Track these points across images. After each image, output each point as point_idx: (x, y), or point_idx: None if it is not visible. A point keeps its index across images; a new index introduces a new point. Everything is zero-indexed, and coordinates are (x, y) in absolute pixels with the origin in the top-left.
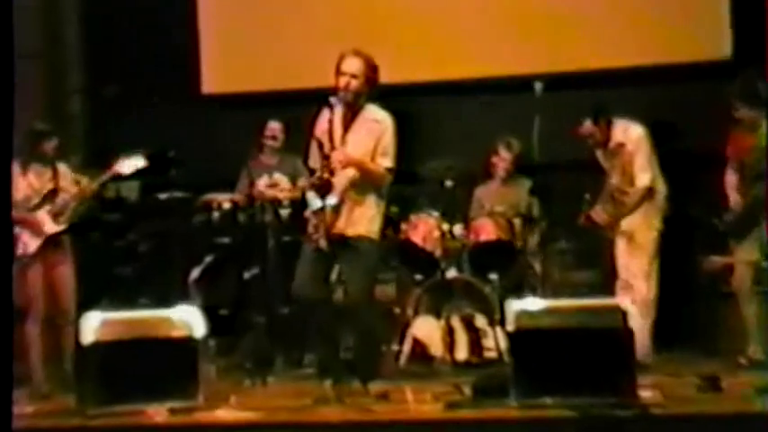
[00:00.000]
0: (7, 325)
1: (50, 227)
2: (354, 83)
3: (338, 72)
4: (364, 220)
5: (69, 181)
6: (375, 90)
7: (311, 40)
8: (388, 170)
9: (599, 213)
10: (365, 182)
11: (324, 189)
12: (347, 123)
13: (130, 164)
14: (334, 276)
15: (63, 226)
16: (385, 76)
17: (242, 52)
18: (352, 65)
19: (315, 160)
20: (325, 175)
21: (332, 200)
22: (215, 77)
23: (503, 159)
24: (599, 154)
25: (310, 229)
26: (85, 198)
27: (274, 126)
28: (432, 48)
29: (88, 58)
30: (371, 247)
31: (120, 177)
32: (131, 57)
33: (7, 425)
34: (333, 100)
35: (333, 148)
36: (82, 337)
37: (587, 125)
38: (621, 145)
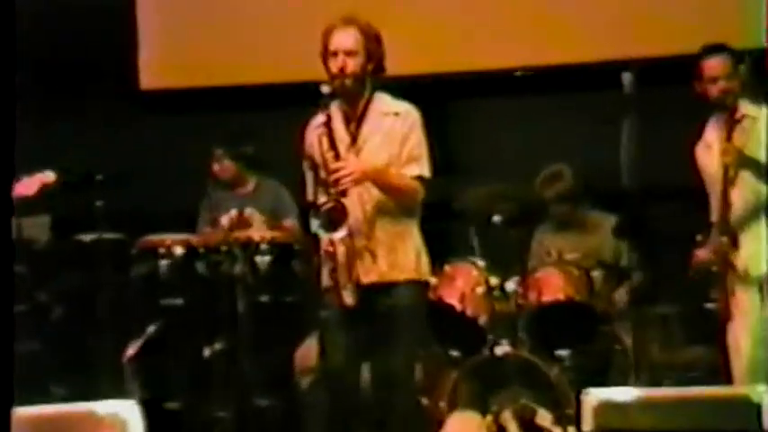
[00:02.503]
0: (8, 327)
1: None
2: (353, 63)
3: (326, 53)
4: (409, 257)
5: None
6: (382, 70)
7: (284, 19)
8: (420, 180)
9: (707, 249)
10: (391, 200)
11: (336, 217)
12: (354, 125)
13: (35, 181)
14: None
15: None
16: (400, 67)
17: (195, 35)
18: (346, 39)
19: (314, 191)
20: (332, 200)
21: (342, 232)
22: (157, 69)
23: (549, 202)
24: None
25: (326, 279)
26: None
27: (218, 163)
28: (465, 25)
29: None
30: (417, 298)
31: (21, 204)
32: (39, 36)
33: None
34: (325, 90)
35: (338, 157)
36: None
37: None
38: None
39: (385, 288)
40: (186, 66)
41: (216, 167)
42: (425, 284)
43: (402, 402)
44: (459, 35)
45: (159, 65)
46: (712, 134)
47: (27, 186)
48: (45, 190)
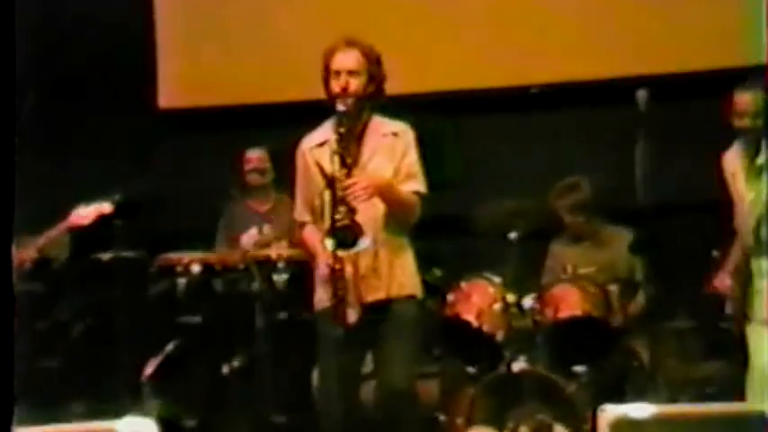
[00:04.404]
0: (7, 326)
1: None
2: (355, 83)
3: (327, 73)
4: (408, 272)
5: None
6: (381, 93)
7: (303, 37)
8: (419, 196)
9: (724, 280)
10: (395, 217)
11: (351, 234)
12: (355, 144)
13: (92, 211)
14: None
15: None
16: (415, 84)
17: (214, 53)
18: (349, 59)
19: (305, 204)
20: (344, 216)
21: (364, 244)
22: (176, 87)
23: (564, 212)
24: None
25: (325, 298)
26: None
27: (252, 155)
28: (480, 42)
29: None
30: (417, 313)
31: (76, 231)
32: (58, 55)
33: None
34: (341, 108)
35: (349, 175)
36: None
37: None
38: None
39: (385, 305)
40: (205, 84)
41: (251, 172)
42: (420, 301)
43: (407, 419)
44: (473, 52)
45: (178, 83)
46: (736, 161)
47: (83, 216)
48: (101, 220)
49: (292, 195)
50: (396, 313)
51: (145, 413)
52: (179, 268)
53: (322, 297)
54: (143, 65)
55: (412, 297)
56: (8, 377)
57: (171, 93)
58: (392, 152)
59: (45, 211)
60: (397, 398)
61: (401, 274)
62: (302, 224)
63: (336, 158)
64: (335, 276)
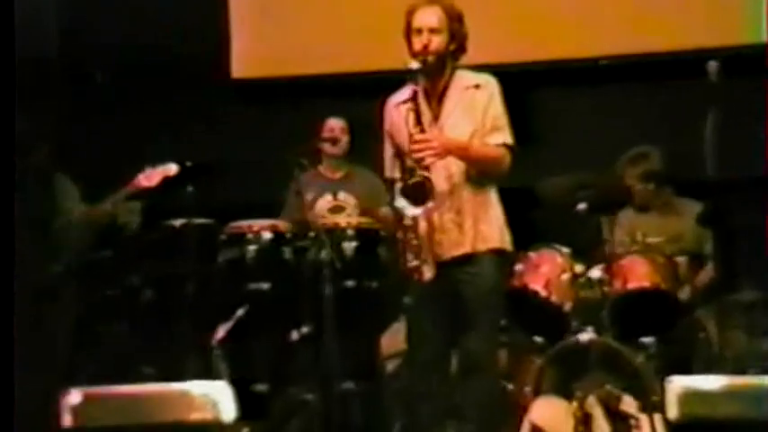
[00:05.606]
0: (7, 325)
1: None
2: (436, 40)
3: (409, 30)
4: (494, 226)
5: (76, 200)
6: (463, 51)
7: (377, 6)
8: (507, 147)
9: None
10: (479, 173)
11: (422, 192)
12: (435, 102)
13: (158, 173)
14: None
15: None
16: (482, 56)
17: (287, 24)
18: (430, 16)
19: (393, 167)
20: (418, 174)
21: (429, 205)
22: (249, 58)
23: (633, 180)
24: None
25: (409, 258)
26: (92, 226)
27: (334, 124)
28: (548, 14)
29: (69, 28)
30: (504, 268)
31: (143, 194)
32: (132, 28)
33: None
34: (414, 65)
35: (423, 132)
36: (60, 422)
37: None
38: None
39: (470, 259)
40: (278, 55)
41: (327, 140)
42: (508, 254)
43: (486, 387)
44: (542, 23)
45: (251, 54)
46: None
47: (149, 178)
48: (166, 182)
49: (366, 165)
50: (479, 268)
51: (213, 377)
52: (249, 235)
53: (408, 256)
54: (217, 34)
55: (500, 251)
56: (8, 375)
57: (244, 63)
58: (473, 106)
59: (118, 180)
60: (479, 367)
61: (487, 228)
62: (393, 181)
63: (411, 116)
64: (409, 233)
